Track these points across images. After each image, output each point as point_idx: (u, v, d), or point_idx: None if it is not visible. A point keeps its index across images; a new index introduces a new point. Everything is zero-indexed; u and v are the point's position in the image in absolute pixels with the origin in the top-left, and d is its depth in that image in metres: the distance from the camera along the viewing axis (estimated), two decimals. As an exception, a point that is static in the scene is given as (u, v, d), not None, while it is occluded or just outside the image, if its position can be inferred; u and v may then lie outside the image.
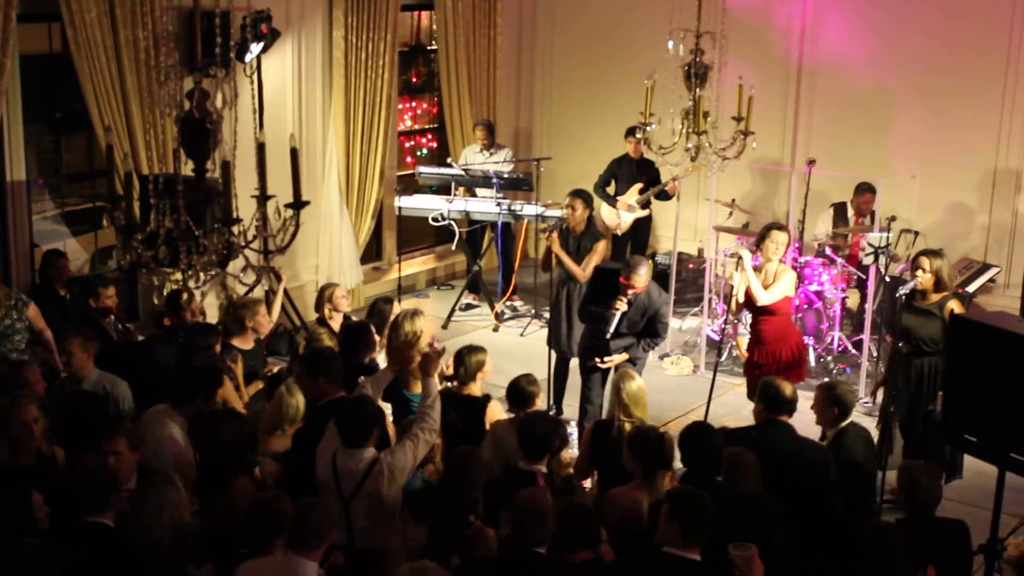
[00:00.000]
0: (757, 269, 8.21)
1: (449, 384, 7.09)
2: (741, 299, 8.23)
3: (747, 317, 9.11)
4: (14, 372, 6.40)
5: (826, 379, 8.79)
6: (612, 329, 8.02)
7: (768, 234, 8.24)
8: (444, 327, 11.18)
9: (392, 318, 7.67)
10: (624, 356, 8.07)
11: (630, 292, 7.90)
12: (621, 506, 5.67)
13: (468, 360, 6.86)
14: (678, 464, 6.06)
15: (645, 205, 11.54)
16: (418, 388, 6.84)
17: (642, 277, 7.89)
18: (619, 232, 11.56)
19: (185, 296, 7.97)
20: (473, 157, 11.90)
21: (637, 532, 5.58)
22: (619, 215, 11.49)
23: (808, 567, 5.69)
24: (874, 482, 6.61)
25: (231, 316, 7.91)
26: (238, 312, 7.78)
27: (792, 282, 8.30)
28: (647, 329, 8.10)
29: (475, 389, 6.89)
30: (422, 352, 5.97)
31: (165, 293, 8.28)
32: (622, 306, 7.94)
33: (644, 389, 6.63)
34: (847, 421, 6.50)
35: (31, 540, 4.66)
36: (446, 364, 7.06)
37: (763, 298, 8.11)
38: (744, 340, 8.77)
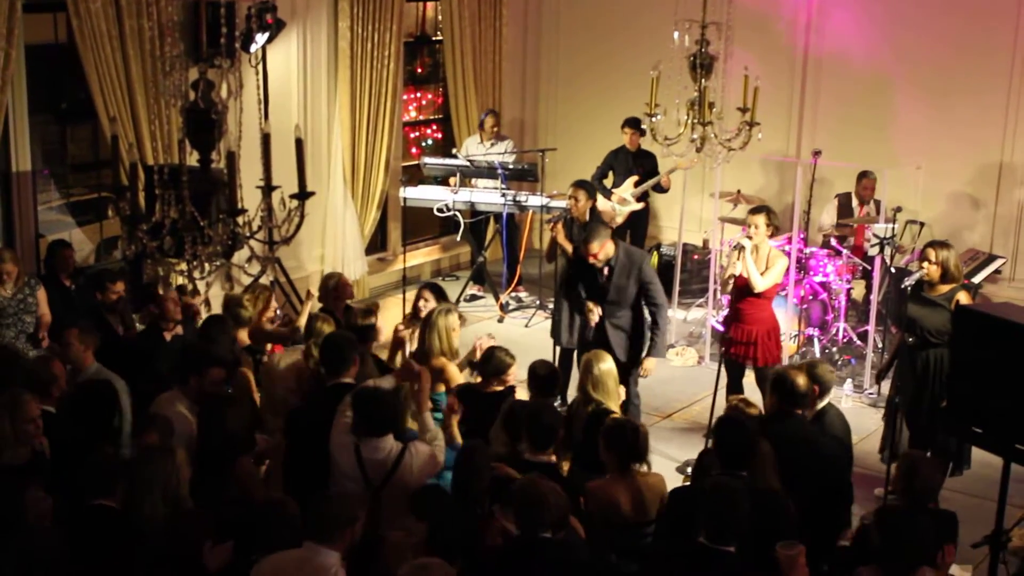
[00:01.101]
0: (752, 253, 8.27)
1: (471, 374, 7.16)
2: (734, 276, 8.30)
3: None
4: (45, 369, 6.37)
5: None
6: (593, 328, 8.15)
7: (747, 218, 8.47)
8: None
9: (425, 314, 7.59)
10: (653, 364, 8.14)
11: (594, 257, 7.94)
12: (600, 500, 5.66)
13: (498, 357, 6.85)
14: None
15: (641, 198, 11.52)
16: (441, 388, 6.92)
17: (595, 245, 7.92)
18: (614, 224, 11.54)
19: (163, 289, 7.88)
20: (475, 148, 11.88)
21: (618, 525, 5.59)
22: (614, 207, 11.48)
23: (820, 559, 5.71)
24: (851, 459, 6.64)
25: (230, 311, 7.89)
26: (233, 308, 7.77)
27: (783, 269, 8.45)
28: (644, 298, 8.08)
29: (496, 387, 6.88)
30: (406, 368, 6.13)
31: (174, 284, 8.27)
32: (594, 316, 8.05)
33: (611, 373, 6.61)
34: (826, 401, 6.53)
35: (38, 528, 4.69)
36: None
37: (760, 285, 8.20)
38: None
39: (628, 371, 8.01)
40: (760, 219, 8.30)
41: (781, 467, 5.66)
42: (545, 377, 6.70)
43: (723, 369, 8.53)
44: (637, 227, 11.74)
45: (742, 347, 8.34)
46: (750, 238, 8.29)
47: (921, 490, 5.54)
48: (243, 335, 7.60)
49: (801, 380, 6.29)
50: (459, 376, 7.22)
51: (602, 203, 11.50)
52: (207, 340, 7.07)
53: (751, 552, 4.87)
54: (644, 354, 8.15)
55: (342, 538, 4.72)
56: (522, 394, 6.95)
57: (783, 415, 6.24)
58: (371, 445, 5.53)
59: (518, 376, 6.94)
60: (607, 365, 6.63)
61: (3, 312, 7.69)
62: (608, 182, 11.65)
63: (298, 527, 4.84)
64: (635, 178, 11.44)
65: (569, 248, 9.14)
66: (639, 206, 11.52)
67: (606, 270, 8.06)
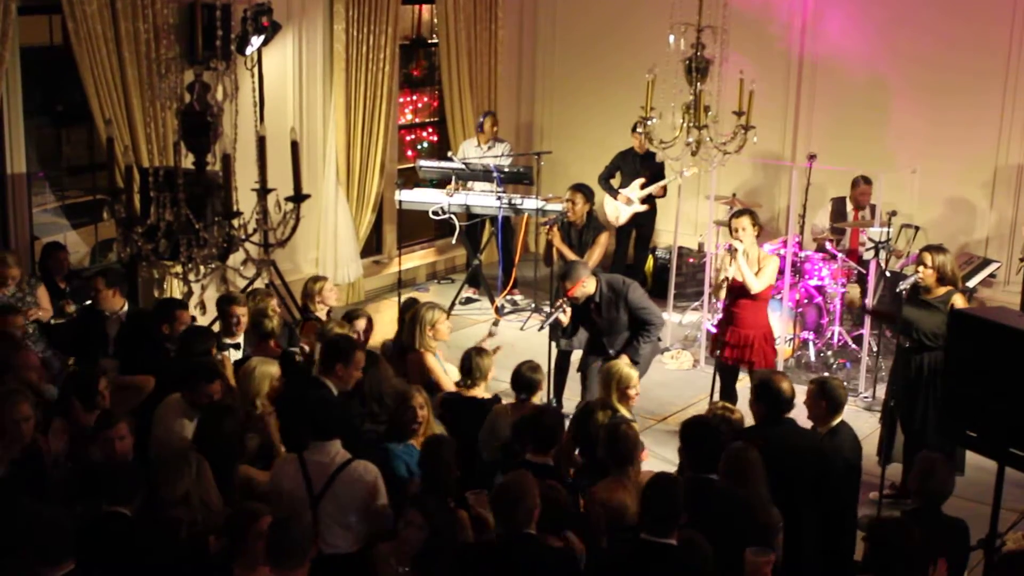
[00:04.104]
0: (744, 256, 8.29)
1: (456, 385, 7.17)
2: (727, 280, 8.29)
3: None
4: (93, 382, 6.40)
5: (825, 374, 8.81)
6: (547, 324, 8.23)
7: (730, 223, 8.48)
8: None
9: (416, 313, 7.62)
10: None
11: (570, 295, 7.97)
12: (602, 501, 5.66)
13: (478, 361, 6.88)
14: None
15: (645, 200, 11.54)
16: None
17: (568, 284, 7.96)
18: (617, 224, 11.57)
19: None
20: (471, 151, 11.88)
21: (626, 527, 5.59)
22: (617, 208, 11.50)
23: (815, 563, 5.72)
24: (859, 484, 6.60)
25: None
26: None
27: (775, 269, 8.46)
28: (635, 324, 8.07)
29: (481, 391, 6.91)
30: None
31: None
32: (564, 316, 8.04)
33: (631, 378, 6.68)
34: (839, 419, 6.45)
35: (44, 507, 4.71)
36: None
37: (755, 287, 8.21)
38: None
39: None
40: (746, 221, 8.33)
41: (773, 474, 5.65)
42: (526, 378, 6.74)
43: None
44: (642, 229, 11.77)
45: (736, 350, 8.36)
46: (740, 241, 8.30)
47: (935, 493, 5.54)
48: (269, 345, 7.56)
49: (785, 385, 6.27)
50: (438, 368, 7.31)
51: (608, 203, 11.54)
52: (187, 354, 6.99)
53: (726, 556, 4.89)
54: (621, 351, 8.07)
55: (302, 563, 4.69)
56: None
57: (772, 422, 6.21)
58: (316, 448, 5.53)
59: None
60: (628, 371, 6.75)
61: None
62: (615, 183, 11.66)
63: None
64: (642, 180, 11.46)
65: (566, 252, 9.15)
66: (643, 208, 11.54)
67: (593, 306, 8.05)
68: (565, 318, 8.07)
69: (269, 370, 6.48)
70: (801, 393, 6.55)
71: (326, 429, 5.57)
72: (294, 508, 5.33)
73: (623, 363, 6.86)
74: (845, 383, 9.51)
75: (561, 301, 8.04)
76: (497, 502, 5.08)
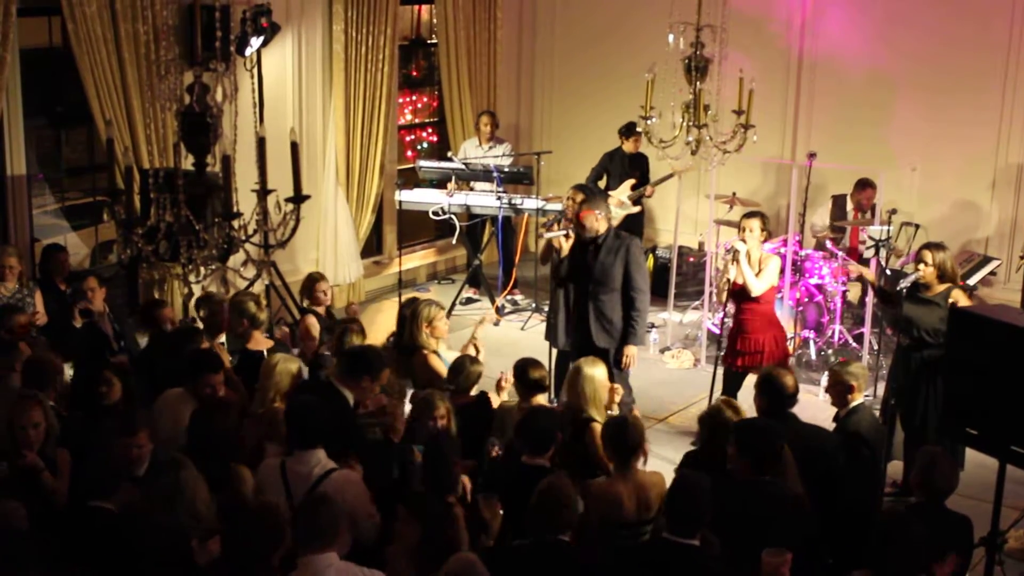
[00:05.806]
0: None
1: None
2: (729, 281, 8.27)
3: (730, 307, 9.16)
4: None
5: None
6: (547, 235, 8.19)
7: (740, 222, 8.43)
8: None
9: (416, 310, 7.58)
10: (633, 351, 8.02)
11: (581, 218, 7.91)
12: (603, 499, 5.65)
13: (470, 369, 6.85)
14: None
15: (636, 201, 11.53)
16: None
17: (588, 205, 7.92)
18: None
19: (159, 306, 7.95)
20: (473, 151, 11.89)
21: (621, 524, 5.59)
22: (610, 210, 11.48)
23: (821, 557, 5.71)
24: (879, 459, 6.60)
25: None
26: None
27: (776, 270, 8.40)
28: (624, 285, 8.00)
29: (469, 396, 6.87)
30: None
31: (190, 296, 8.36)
32: (565, 241, 7.99)
33: (601, 382, 6.53)
34: (859, 400, 6.52)
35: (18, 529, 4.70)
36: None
37: (756, 289, 8.17)
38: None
39: (618, 368, 8.01)
40: (755, 223, 8.29)
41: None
42: (535, 377, 6.68)
43: (719, 372, 8.52)
44: (633, 230, 11.73)
45: (749, 357, 8.28)
46: (744, 242, 8.28)
47: (938, 487, 5.53)
48: (258, 336, 7.52)
49: (788, 379, 6.28)
50: (442, 369, 7.26)
51: None
52: (172, 353, 6.94)
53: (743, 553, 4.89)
54: (622, 342, 8.02)
55: (334, 541, 4.65)
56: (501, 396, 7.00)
57: (775, 417, 6.20)
58: (298, 458, 5.44)
59: (507, 377, 6.96)
60: (596, 372, 6.52)
61: None
62: (602, 185, 11.64)
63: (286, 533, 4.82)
64: (632, 181, 11.45)
65: (565, 247, 9.12)
66: (635, 209, 11.53)
67: (592, 247, 7.98)
68: (566, 245, 8.00)
69: (289, 367, 6.44)
70: (805, 389, 6.57)
71: (308, 438, 5.47)
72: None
73: (594, 368, 6.60)
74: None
75: (568, 223, 7.97)
76: (539, 506, 4.99)
